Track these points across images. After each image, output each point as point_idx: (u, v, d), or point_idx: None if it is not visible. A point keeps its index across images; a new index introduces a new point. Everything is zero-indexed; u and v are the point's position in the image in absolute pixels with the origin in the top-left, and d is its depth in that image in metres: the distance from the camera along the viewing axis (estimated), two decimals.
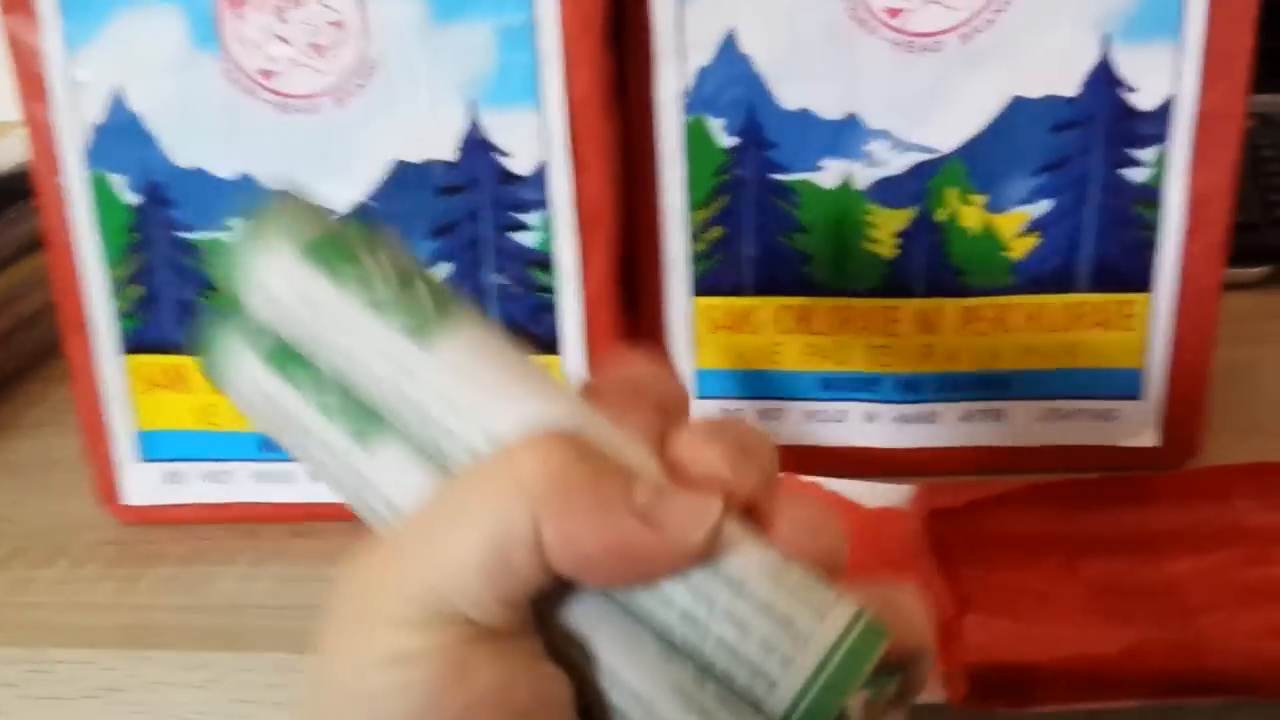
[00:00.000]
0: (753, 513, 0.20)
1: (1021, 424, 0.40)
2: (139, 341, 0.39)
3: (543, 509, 0.18)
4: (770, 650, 0.19)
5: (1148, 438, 0.39)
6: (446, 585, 0.19)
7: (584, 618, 0.20)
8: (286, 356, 0.22)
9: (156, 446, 0.40)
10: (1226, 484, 0.37)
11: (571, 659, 0.20)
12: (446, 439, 0.20)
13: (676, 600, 0.19)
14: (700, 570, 0.19)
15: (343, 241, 0.21)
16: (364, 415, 0.21)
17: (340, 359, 0.21)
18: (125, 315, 0.39)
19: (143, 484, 0.40)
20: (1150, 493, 0.37)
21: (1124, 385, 0.39)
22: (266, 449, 0.40)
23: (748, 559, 0.19)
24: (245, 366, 0.22)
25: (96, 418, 0.40)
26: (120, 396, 0.40)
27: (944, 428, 0.40)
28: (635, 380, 0.22)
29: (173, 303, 0.39)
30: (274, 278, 0.21)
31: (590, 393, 0.21)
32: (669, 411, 0.21)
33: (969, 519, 0.37)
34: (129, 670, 0.35)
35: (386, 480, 0.21)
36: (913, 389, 0.40)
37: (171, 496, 0.40)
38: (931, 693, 0.31)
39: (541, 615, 0.20)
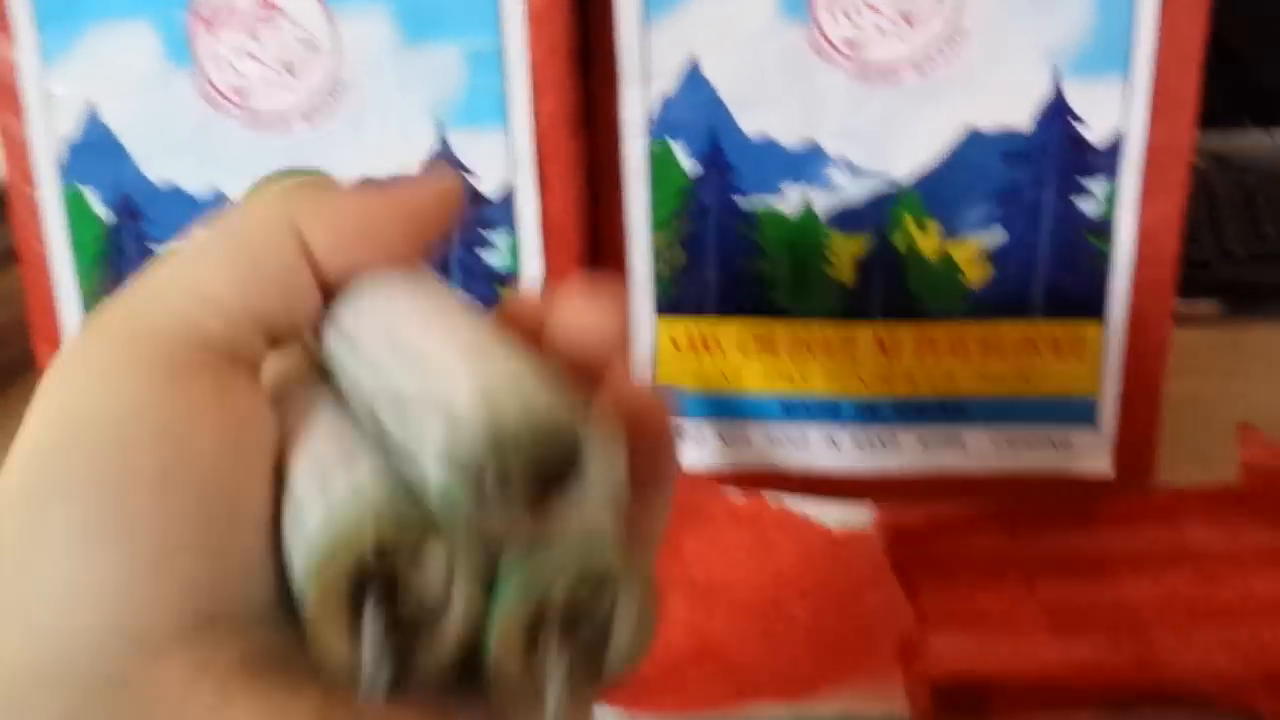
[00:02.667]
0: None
1: (978, 450, 0.40)
2: None
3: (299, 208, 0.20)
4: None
5: (1102, 466, 0.40)
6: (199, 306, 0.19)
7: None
8: None
9: None
10: (1176, 508, 0.38)
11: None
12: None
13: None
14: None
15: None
16: None
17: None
18: None
19: None
20: (1103, 516, 0.38)
21: (1078, 413, 0.40)
22: None
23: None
24: None
25: None
26: None
27: (903, 452, 0.41)
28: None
29: None
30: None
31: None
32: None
33: (930, 541, 0.38)
34: None
35: None
36: (872, 413, 0.40)
37: None
38: (896, 707, 0.32)
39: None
